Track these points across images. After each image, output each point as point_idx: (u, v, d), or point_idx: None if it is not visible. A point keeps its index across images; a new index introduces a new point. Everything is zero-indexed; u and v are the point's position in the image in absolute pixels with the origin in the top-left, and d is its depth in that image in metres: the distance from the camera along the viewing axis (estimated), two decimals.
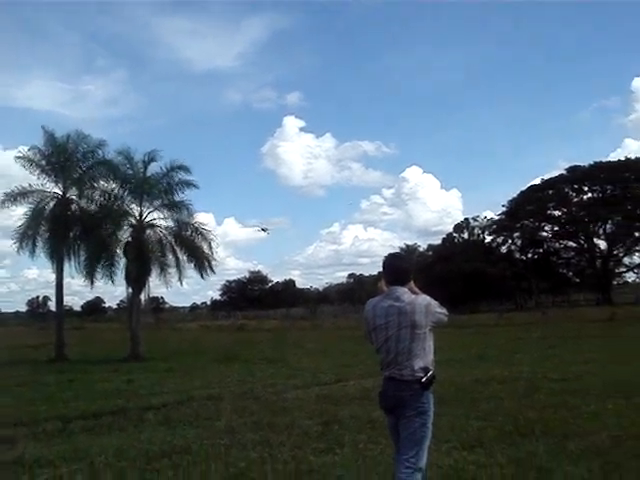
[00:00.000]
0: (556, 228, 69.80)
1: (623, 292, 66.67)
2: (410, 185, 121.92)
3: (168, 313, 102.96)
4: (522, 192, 69.59)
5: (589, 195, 67.67)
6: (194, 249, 27.87)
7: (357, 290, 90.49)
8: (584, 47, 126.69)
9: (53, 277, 28.20)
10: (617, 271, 68.79)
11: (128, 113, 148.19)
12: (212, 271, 28.57)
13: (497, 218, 72.00)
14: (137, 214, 27.40)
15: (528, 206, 67.47)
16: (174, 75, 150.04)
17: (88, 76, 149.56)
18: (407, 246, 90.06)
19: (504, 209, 70.51)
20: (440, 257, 71.56)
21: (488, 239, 74.72)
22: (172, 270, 27.77)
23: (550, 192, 67.76)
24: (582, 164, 67.19)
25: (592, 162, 66.06)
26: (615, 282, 68.89)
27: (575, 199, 68.11)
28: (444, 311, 4.47)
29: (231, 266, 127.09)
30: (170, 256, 27.78)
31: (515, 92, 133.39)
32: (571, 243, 70.00)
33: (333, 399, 11.31)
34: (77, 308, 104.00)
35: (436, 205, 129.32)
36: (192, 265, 28.06)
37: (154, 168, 27.75)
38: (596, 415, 8.64)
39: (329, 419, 9.11)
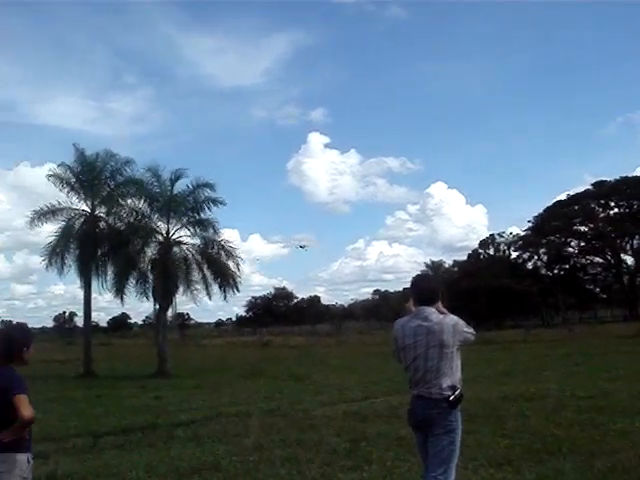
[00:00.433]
0: (582, 244, 69.22)
1: None
2: (435, 201, 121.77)
3: (194, 329, 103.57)
4: (548, 207, 69.42)
5: (615, 210, 67.20)
6: (220, 267, 28.04)
7: (382, 306, 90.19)
8: (610, 61, 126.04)
9: (79, 293, 28.79)
10: None
11: (154, 130, 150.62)
12: (237, 290, 28.77)
13: (523, 234, 71.80)
14: (164, 231, 27.73)
15: (554, 222, 67.04)
16: (200, 92, 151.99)
17: (115, 93, 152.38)
18: (432, 262, 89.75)
19: (530, 225, 70.46)
20: (466, 273, 71.24)
21: (514, 255, 74.54)
22: (199, 287, 27.99)
23: (576, 207, 67.34)
24: (608, 179, 67.09)
25: (618, 177, 65.87)
26: None
27: (601, 214, 67.55)
28: (471, 330, 4.55)
29: (256, 282, 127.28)
30: (196, 273, 27.96)
31: (540, 106, 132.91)
32: (598, 259, 69.34)
33: (360, 416, 11.29)
34: (103, 324, 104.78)
35: (461, 221, 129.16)
36: (217, 283, 28.20)
37: (181, 185, 28.11)
38: (623, 433, 8.55)
39: (357, 436, 9.11)
